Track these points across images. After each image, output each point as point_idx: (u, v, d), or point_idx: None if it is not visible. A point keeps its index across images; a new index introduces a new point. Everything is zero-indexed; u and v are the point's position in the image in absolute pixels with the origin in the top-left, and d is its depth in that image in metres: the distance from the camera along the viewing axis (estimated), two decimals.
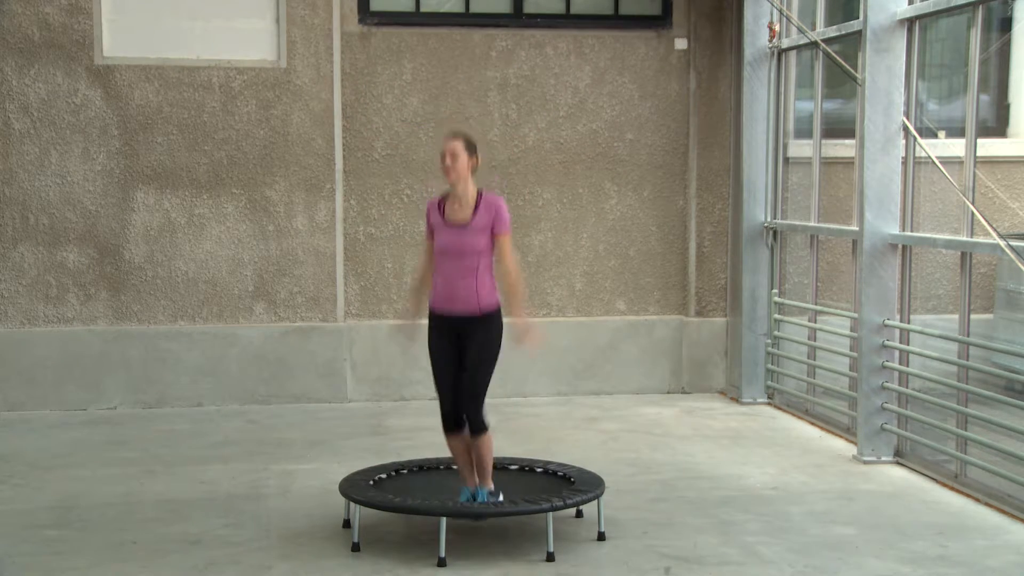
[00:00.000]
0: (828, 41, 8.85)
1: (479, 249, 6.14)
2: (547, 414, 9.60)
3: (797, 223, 9.70)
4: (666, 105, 10.39)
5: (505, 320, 6.26)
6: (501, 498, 6.30)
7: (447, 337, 6.24)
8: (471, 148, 6.20)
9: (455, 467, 6.66)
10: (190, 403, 9.82)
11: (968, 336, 7.40)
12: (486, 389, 6.24)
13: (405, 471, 6.84)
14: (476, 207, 6.17)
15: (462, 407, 6.21)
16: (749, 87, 9.82)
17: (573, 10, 10.31)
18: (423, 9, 10.16)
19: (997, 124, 10.61)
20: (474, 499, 6.32)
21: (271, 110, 9.88)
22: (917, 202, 8.06)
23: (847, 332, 8.77)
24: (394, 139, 10.08)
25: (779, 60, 9.81)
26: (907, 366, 8.01)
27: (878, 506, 7.02)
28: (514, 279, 6.20)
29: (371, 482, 6.52)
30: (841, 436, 8.73)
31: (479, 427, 6.21)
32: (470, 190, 6.19)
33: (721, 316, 10.51)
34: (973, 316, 7.43)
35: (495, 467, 6.64)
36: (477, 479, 6.37)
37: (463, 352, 6.22)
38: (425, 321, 6.35)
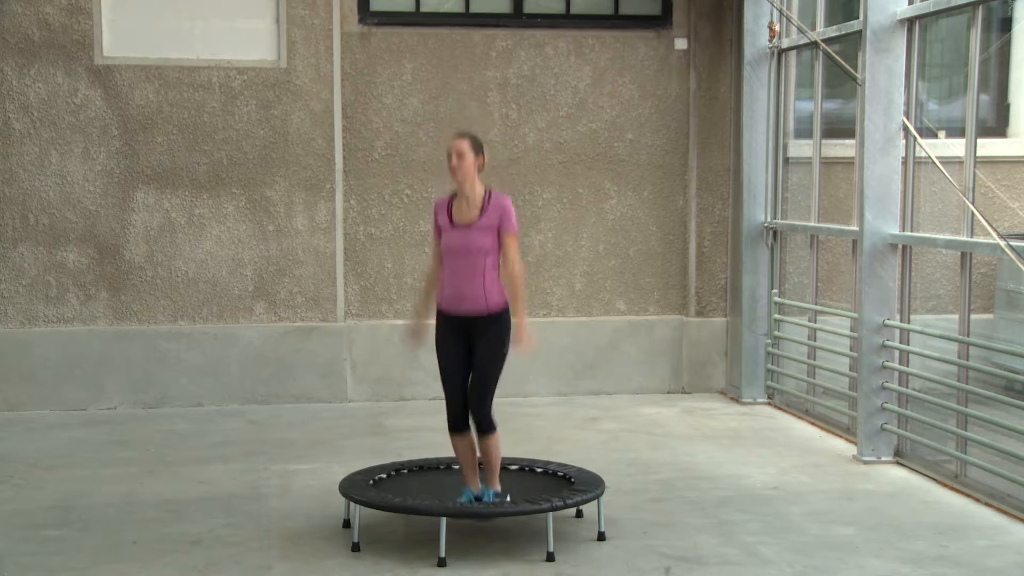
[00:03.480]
0: (828, 41, 8.85)
1: (486, 248, 6.14)
2: (547, 414, 9.60)
3: (797, 223, 9.70)
4: (666, 105, 10.39)
5: None
6: (509, 499, 6.29)
7: (455, 337, 6.24)
8: (477, 148, 6.21)
9: (456, 467, 6.67)
10: (190, 403, 9.82)
11: (968, 336, 7.40)
12: (495, 389, 6.24)
13: (405, 471, 6.84)
14: (484, 207, 6.18)
15: (470, 407, 6.21)
16: (749, 87, 9.82)
17: (573, 10, 10.31)
18: (423, 9, 10.16)
19: (997, 124, 10.61)
20: (477, 500, 6.31)
21: (271, 110, 9.88)
22: (917, 202, 8.06)
23: (847, 332, 8.77)
24: (394, 139, 10.08)
25: (779, 60, 9.81)
26: (907, 366, 8.01)
27: (878, 506, 7.02)
28: (517, 281, 6.21)
29: (371, 482, 6.51)
30: (841, 436, 8.73)
31: (487, 427, 6.21)
32: (478, 189, 6.20)
33: (721, 316, 10.51)
34: (973, 316, 7.44)
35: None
36: (479, 481, 6.37)
37: (471, 352, 6.22)
38: (433, 322, 6.35)
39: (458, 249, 6.17)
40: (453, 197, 6.29)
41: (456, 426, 6.29)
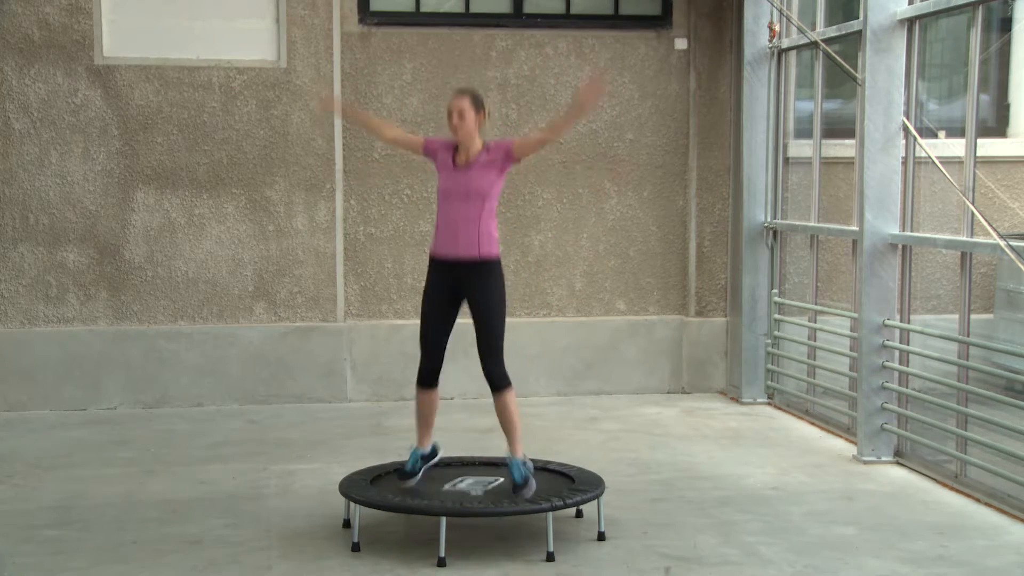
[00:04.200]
0: (828, 41, 8.85)
1: (483, 191, 6.17)
2: (547, 414, 9.60)
3: (797, 223, 9.70)
4: (666, 105, 10.39)
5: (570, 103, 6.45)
6: (531, 465, 6.28)
7: (444, 291, 6.26)
8: (478, 104, 6.27)
9: (456, 466, 6.69)
10: (190, 403, 9.82)
11: (968, 336, 7.40)
12: (502, 341, 6.23)
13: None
14: (481, 151, 6.27)
15: (483, 366, 6.20)
16: (749, 87, 9.82)
17: (573, 10, 10.31)
18: (423, 9, 10.16)
19: (997, 124, 10.61)
20: (425, 459, 6.36)
21: (271, 110, 9.88)
22: (917, 202, 8.06)
23: (847, 332, 8.77)
24: None
25: (779, 60, 9.81)
26: (907, 366, 8.01)
27: (878, 506, 7.02)
28: (548, 128, 6.34)
29: (371, 482, 6.51)
30: (841, 436, 8.73)
31: (502, 382, 6.20)
32: (477, 143, 6.26)
33: (721, 316, 10.51)
34: (973, 316, 7.43)
35: (495, 464, 6.66)
36: (429, 440, 6.42)
37: (470, 309, 6.23)
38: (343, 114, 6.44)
39: (455, 191, 6.21)
40: (457, 144, 6.33)
41: (426, 381, 6.34)
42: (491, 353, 6.20)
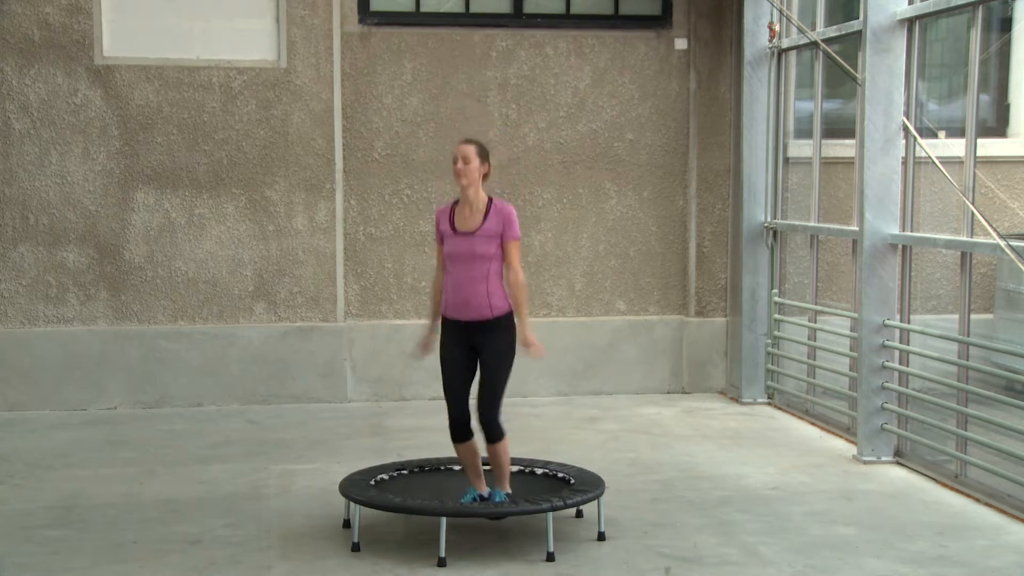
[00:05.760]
0: (828, 41, 8.85)
1: (489, 255, 6.15)
2: (547, 414, 9.60)
3: (797, 223, 9.70)
4: (666, 105, 10.39)
5: None
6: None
7: (460, 344, 6.25)
8: (483, 154, 6.23)
9: (456, 467, 6.69)
10: (190, 403, 9.82)
11: (968, 336, 7.40)
12: (503, 393, 6.25)
13: (405, 471, 6.84)
14: (486, 214, 6.18)
15: (479, 413, 6.20)
16: (749, 87, 9.82)
17: (573, 10, 10.31)
18: (423, 9, 10.16)
19: (997, 124, 10.61)
20: (483, 500, 6.32)
21: (271, 110, 9.88)
22: (917, 202, 8.06)
23: (847, 332, 8.77)
24: (394, 139, 10.08)
25: (779, 60, 9.81)
26: (907, 366, 8.01)
27: (878, 506, 7.02)
28: (520, 288, 6.21)
29: (371, 482, 6.52)
30: (841, 436, 8.73)
31: (496, 433, 6.22)
32: (481, 196, 6.21)
33: (721, 316, 10.51)
34: (973, 316, 7.43)
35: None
36: (485, 483, 6.39)
37: (479, 358, 6.23)
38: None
39: (461, 256, 6.18)
40: (455, 204, 6.29)
41: (459, 436, 6.29)
42: (491, 402, 6.20)
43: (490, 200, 6.23)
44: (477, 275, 6.16)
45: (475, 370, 6.31)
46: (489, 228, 6.16)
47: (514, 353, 6.26)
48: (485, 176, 6.23)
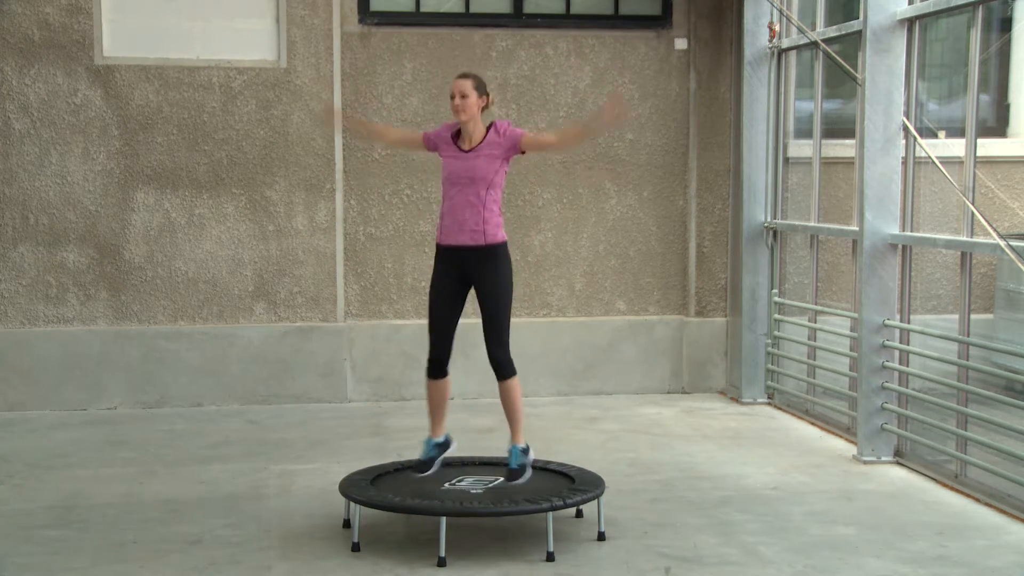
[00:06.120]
0: (828, 41, 8.85)
1: (488, 177, 6.18)
2: (547, 414, 9.60)
3: (797, 223, 9.70)
4: (666, 105, 10.39)
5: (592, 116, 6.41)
6: (532, 456, 6.36)
7: (451, 276, 6.28)
8: (480, 87, 6.32)
9: (456, 466, 6.69)
10: (190, 403, 9.82)
11: (968, 336, 7.40)
12: (508, 327, 6.27)
13: (405, 471, 6.83)
14: (486, 135, 6.29)
15: (488, 351, 6.22)
16: (749, 87, 9.82)
17: (573, 10, 10.31)
18: (423, 9, 10.17)
19: (997, 124, 10.61)
20: (438, 448, 6.40)
21: (271, 110, 9.88)
22: (917, 202, 8.06)
23: (847, 332, 8.77)
24: None
25: (779, 60, 9.81)
26: (907, 366, 8.01)
27: (878, 506, 7.02)
28: (562, 131, 6.32)
29: (371, 482, 6.51)
30: (841, 436, 8.73)
31: (508, 370, 6.24)
32: (480, 128, 6.28)
33: (721, 316, 10.51)
34: (973, 316, 7.43)
35: (495, 464, 6.67)
36: (442, 431, 6.44)
37: (477, 293, 6.25)
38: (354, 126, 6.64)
39: (459, 177, 6.22)
40: (460, 129, 6.34)
41: (435, 372, 6.36)
42: (498, 339, 6.22)
43: (490, 124, 6.33)
44: (474, 199, 6.19)
45: (462, 306, 6.34)
46: (488, 145, 6.23)
47: (511, 285, 6.29)
48: (484, 107, 6.29)
